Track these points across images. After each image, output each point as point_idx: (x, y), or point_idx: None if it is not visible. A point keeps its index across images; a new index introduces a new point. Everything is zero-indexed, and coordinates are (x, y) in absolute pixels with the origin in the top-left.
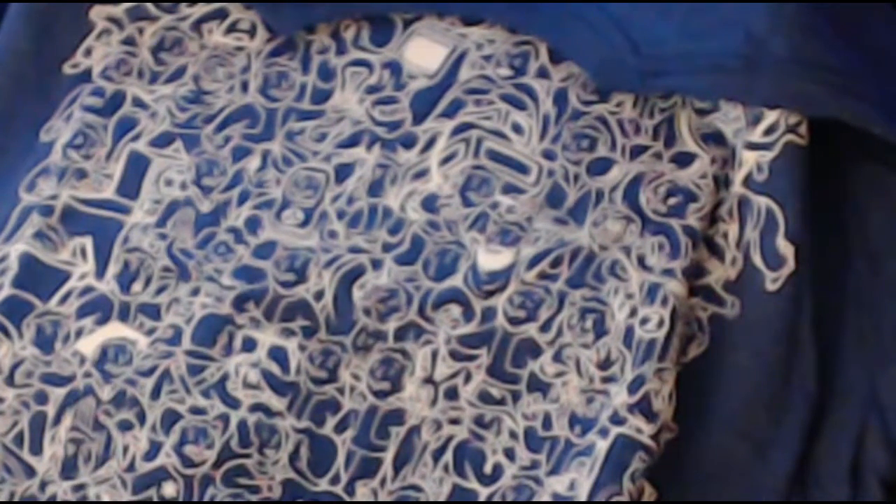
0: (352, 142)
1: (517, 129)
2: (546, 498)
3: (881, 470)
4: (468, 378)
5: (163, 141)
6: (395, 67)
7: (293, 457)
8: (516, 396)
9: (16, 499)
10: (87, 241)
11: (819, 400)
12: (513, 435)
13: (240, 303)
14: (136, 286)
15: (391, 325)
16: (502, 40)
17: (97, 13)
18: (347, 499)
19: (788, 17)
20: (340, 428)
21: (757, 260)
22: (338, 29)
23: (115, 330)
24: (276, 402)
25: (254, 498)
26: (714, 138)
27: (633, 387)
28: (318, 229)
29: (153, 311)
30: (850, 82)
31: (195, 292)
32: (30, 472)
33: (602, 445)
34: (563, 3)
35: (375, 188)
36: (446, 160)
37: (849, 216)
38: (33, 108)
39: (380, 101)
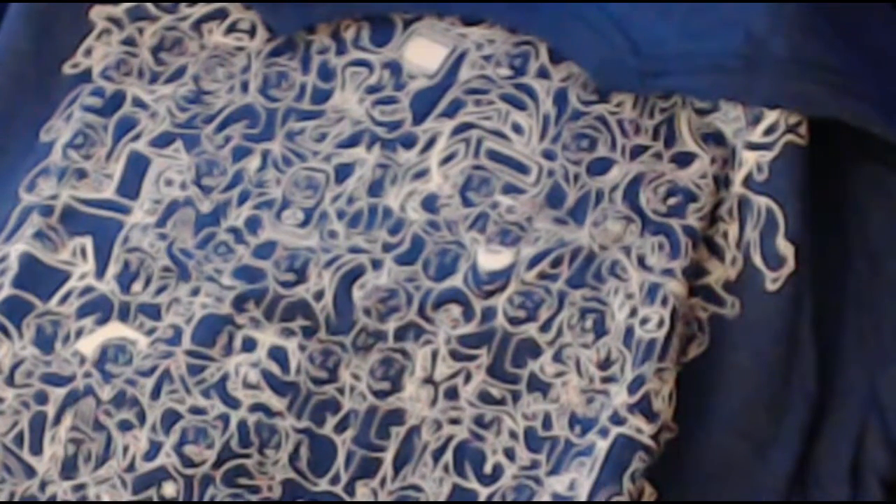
0: (352, 142)
1: (517, 129)
2: (546, 498)
3: (881, 470)
4: (468, 378)
5: (163, 141)
6: (395, 67)
7: (293, 457)
8: (516, 396)
9: (16, 499)
10: (87, 241)
11: (819, 400)
12: (513, 435)
13: (240, 303)
14: (136, 286)
15: (391, 325)
16: (502, 40)
17: (97, 13)
18: (347, 499)
19: (788, 17)
20: (340, 428)
21: (757, 260)
22: (338, 29)
23: (115, 330)
24: (276, 402)
25: (254, 498)
26: (714, 138)
27: (633, 387)
28: (318, 229)
29: (153, 311)
30: (850, 82)
31: (195, 292)
32: (30, 472)
33: (602, 445)
34: (563, 3)
35: (375, 188)
36: (446, 160)
37: (849, 216)
38: (33, 108)
39: (380, 101)
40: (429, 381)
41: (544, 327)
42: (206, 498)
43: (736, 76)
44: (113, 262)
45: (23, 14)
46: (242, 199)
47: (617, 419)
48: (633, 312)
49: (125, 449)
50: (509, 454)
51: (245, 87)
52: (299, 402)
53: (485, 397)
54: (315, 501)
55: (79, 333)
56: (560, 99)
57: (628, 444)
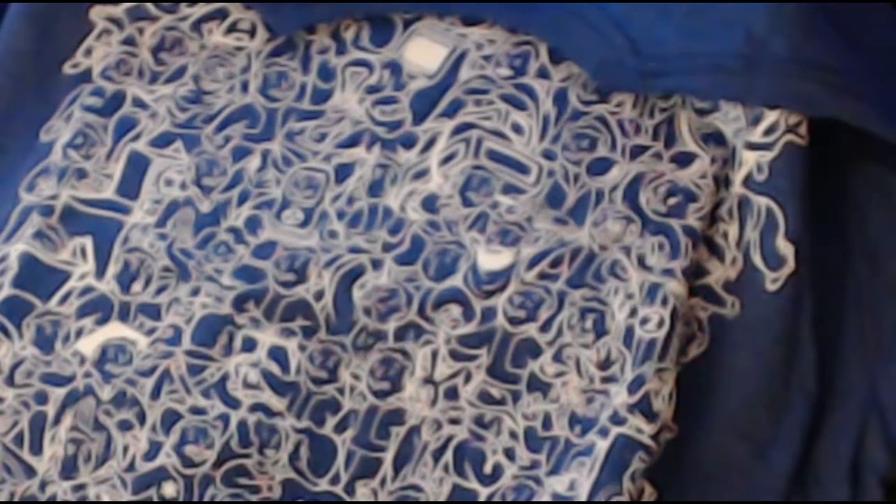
0: (352, 142)
1: (517, 129)
2: (546, 498)
3: (881, 470)
4: (468, 378)
5: (163, 141)
6: (395, 67)
7: (293, 457)
8: (516, 396)
9: (16, 499)
10: (87, 241)
11: (819, 400)
12: (513, 435)
13: (240, 303)
14: (136, 286)
15: (391, 325)
16: (502, 40)
17: (97, 13)
18: (347, 499)
19: (788, 17)
20: (340, 428)
21: (757, 260)
22: (338, 29)
23: (115, 330)
24: (276, 402)
25: (254, 498)
26: (714, 138)
27: (633, 387)
28: (318, 229)
29: (153, 311)
30: (850, 82)
31: (195, 292)
32: (30, 472)
33: (602, 445)
34: (563, 3)
35: (375, 188)
36: (446, 160)
37: (849, 216)
38: (33, 108)
39: (380, 101)
40: (429, 381)
41: (544, 327)
42: (206, 498)
43: (736, 76)
44: (113, 262)
45: (23, 14)
46: (242, 199)
47: (617, 419)
48: (633, 312)
49: (125, 449)
50: (509, 454)
51: (245, 87)
52: (299, 402)
53: (485, 397)
54: (315, 501)
55: (79, 333)
56: (560, 99)
57: (628, 444)
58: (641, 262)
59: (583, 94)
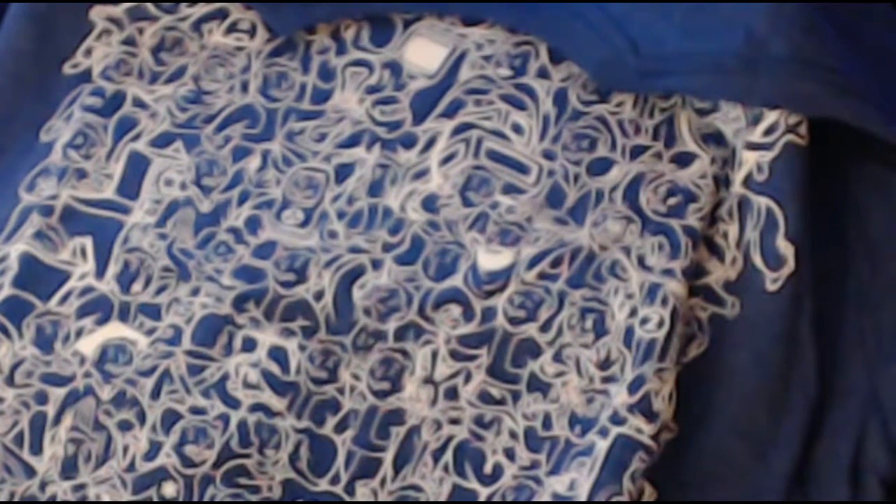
0: (352, 142)
1: (517, 129)
2: (546, 498)
3: (881, 470)
4: (468, 378)
5: (163, 141)
6: (395, 67)
7: (293, 457)
8: (516, 396)
9: (16, 499)
10: (87, 241)
11: (819, 400)
12: (513, 435)
13: (240, 303)
14: (136, 286)
15: (391, 325)
16: (502, 40)
17: (97, 13)
18: (347, 499)
19: (788, 17)
20: (340, 428)
21: (757, 260)
22: (338, 29)
23: (115, 330)
24: (276, 402)
25: (254, 498)
26: (714, 138)
27: (633, 387)
28: (318, 229)
29: (153, 311)
30: (850, 82)
31: (195, 292)
32: (30, 472)
33: (602, 445)
34: (563, 3)
35: (375, 188)
36: (446, 160)
37: (849, 216)
38: (33, 108)
39: (380, 102)
40: (429, 381)
41: (544, 327)
42: (206, 498)
43: (736, 76)
44: (113, 262)
45: (23, 14)
46: (242, 199)
47: (617, 419)
48: (633, 312)
49: (125, 449)
50: (509, 454)
51: (245, 87)
52: (299, 402)
53: (485, 397)
54: (315, 501)
55: (79, 333)
56: (560, 99)
57: (628, 444)
58: (641, 263)
59: (583, 94)
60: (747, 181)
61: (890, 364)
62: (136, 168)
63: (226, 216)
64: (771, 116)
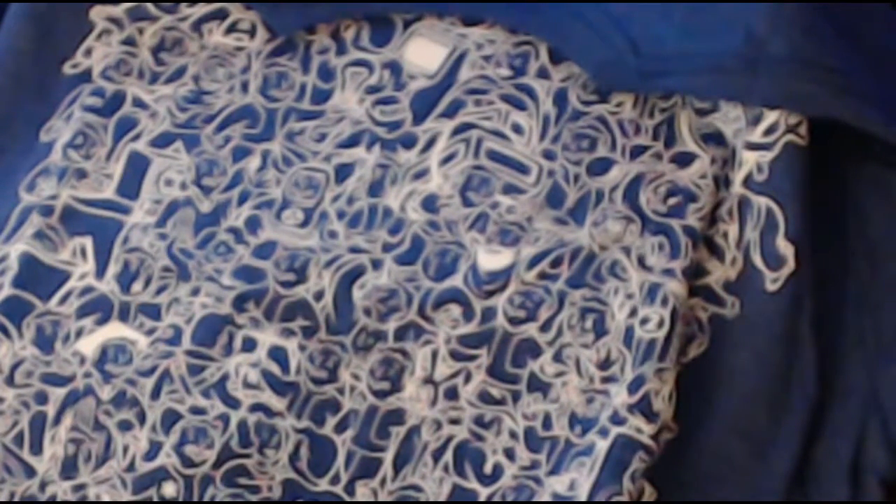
0: (352, 142)
1: (517, 129)
2: (546, 498)
3: (881, 470)
4: (468, 378)
5: (163, 141)
6: (395, 67)
7: (293, 457)
8: (516, 396)
9: (16, 499)
10: (87, 241)
11: (819, 400)
12: (513, 435)
13: (240, 303)
14: (136, 286)
15: (391, 325)
16: (502, 40)
17: (97, 13)
18: (347, 499)
19: (788, 17)
20: (340, 428)
21: (757, 260)
22: (338, 29)
23: (115, 330)
24: (276, 402)
25: (254, 498)
26: (714, 138)
27: (633, 387)
28: (318, 229)
29: (153, 311)
30: (850, 82)
31: (195, 292)
32: (30, 472)
33: (602, 445)
34: (563, 3)
35: (375, 188)
36: (446, 160)
37: (849, 216)
38: (33, 108)
39: (380, 102)
40: (429, 381)
41: (544, 327)
42: (206, 498)
43: (736, 76)
44: (113, 262)
45: (23, 14)
46: (242, 199)
47: (617, 419)
48: (633, 312)
49: (125, 449)
50: (509, 454)
51: (245, 87)
52: (299, 402)
53: (485, 397)
54: (315, 501)
55: (79, 333)
56: (560, 99)
57: (628, 444)
58: (641, 262)
59: (583, 94)
60: (747, 181)
61: (890, 364)
62: (136, 168)
63: (226, 216)
64: (771, 116)
